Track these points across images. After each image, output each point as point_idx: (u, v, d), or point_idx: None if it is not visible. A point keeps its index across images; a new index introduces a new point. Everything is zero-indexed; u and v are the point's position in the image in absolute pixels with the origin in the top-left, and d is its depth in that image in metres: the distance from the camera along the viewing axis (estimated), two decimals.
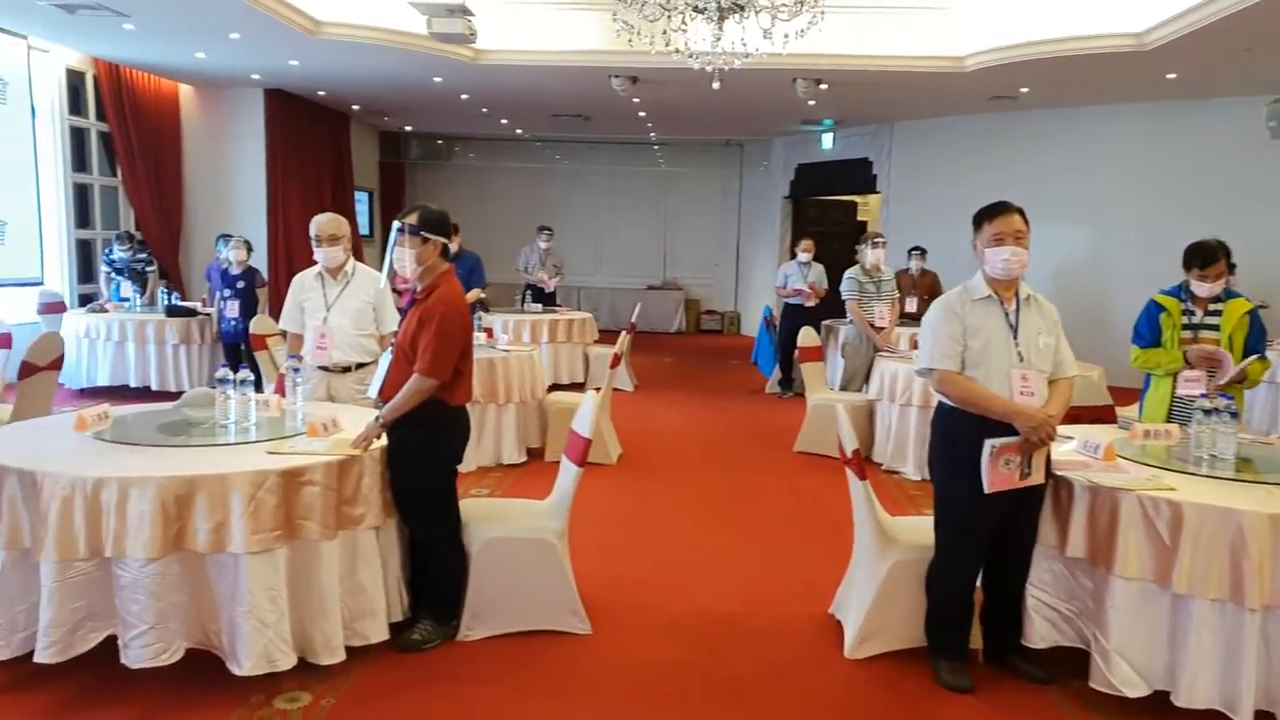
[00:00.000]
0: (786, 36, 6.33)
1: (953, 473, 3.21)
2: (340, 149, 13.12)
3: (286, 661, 3.05)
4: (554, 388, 7.53)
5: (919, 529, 3.52)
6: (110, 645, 3.00)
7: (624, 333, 7.66)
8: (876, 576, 3.45)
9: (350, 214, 12.82)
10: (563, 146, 16.02)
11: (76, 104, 9.68)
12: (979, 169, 11.01)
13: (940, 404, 3.31)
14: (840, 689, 3.28)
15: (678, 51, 6.62)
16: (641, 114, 12.03)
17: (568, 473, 3.63)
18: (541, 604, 3.59)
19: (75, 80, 9.63)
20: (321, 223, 4.49)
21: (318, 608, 3.15)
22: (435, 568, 3.49)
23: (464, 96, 11.12)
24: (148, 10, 7.44)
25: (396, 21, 8.29)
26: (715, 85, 8.04)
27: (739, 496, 5.77)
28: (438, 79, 9.96)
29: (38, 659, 2.93)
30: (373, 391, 3.77)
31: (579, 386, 8.78)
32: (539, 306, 9.61)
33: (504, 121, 13.61)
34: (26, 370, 5.09)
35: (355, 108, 12.79)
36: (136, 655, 2.95)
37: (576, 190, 16.20)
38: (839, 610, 3.76)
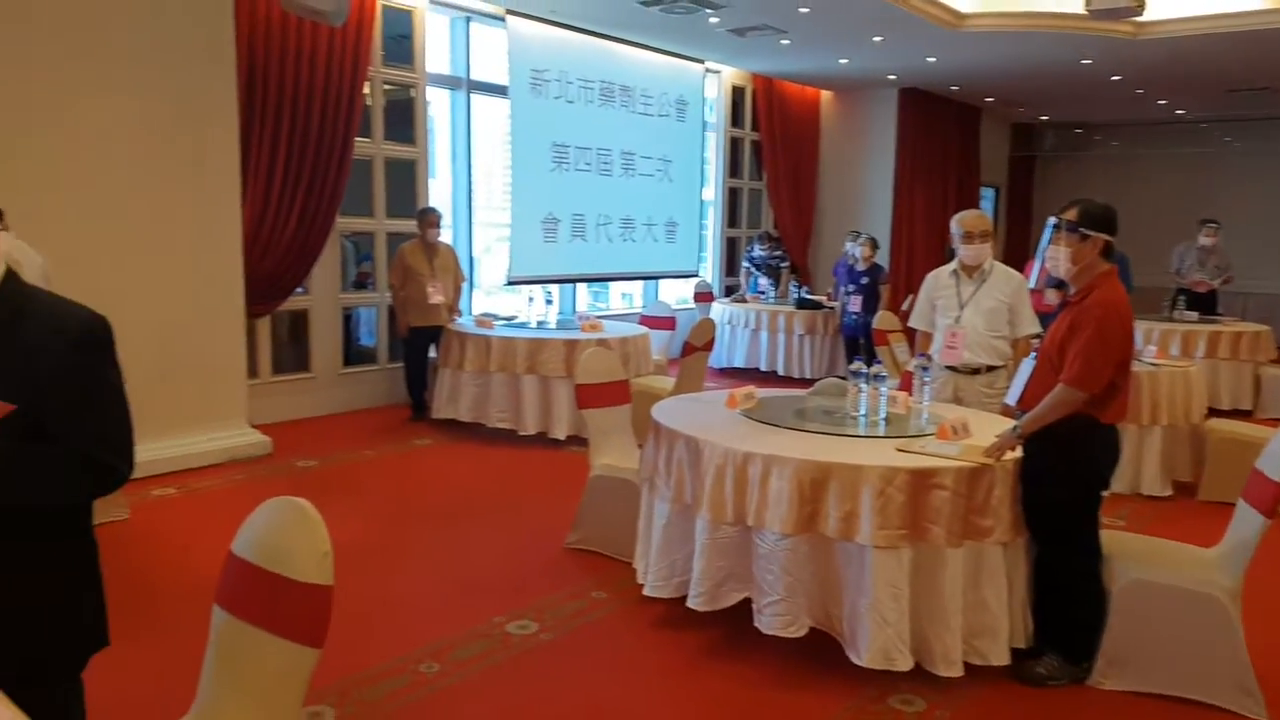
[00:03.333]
0: None
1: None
2: (968, 144, 12.90)
3: (904, 663, 3.01)
4: (1213, 413, 6.39)
5: None
6: (746, 606, 3.28)
7: None
8: None
9: None
10: (1235, 126, 13.57)
11: (736, 116, 11.00)
12: None
13: None
14: None
15: None
16: None
17: (1248, 521, 2.98)
18: (1200, 669, 3.00)
19: (736, 96, 10.94)
20: (970, 219, 4.35)
21: (938, 616, 3.05)
22: (1068, 599, 3.14)
23: (1115, 78, 10.05)
24: (803, 25, 8.06)
25: (1044, 3, 7.78)
26: None
27: None
28: (1086, 61, 9.13)
29: (690, 604, 3.34)
30: (1010, 398, 3.54)
31: (1245, 415, 7.32)
32: (1194, 315, 8.27)
33: (1161, 102, 12.01)
34: (687, 350, 5.89)
35: (988, 100, 12.43)
36: (767, 622, 3.17)
37: (1251, 177, 13.54)
38: None
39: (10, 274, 1.74)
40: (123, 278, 4.98)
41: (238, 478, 5.30)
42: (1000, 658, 3.12)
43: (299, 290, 6.70)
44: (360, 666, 3.14)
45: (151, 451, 4.86)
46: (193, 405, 5.42)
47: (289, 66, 6.21)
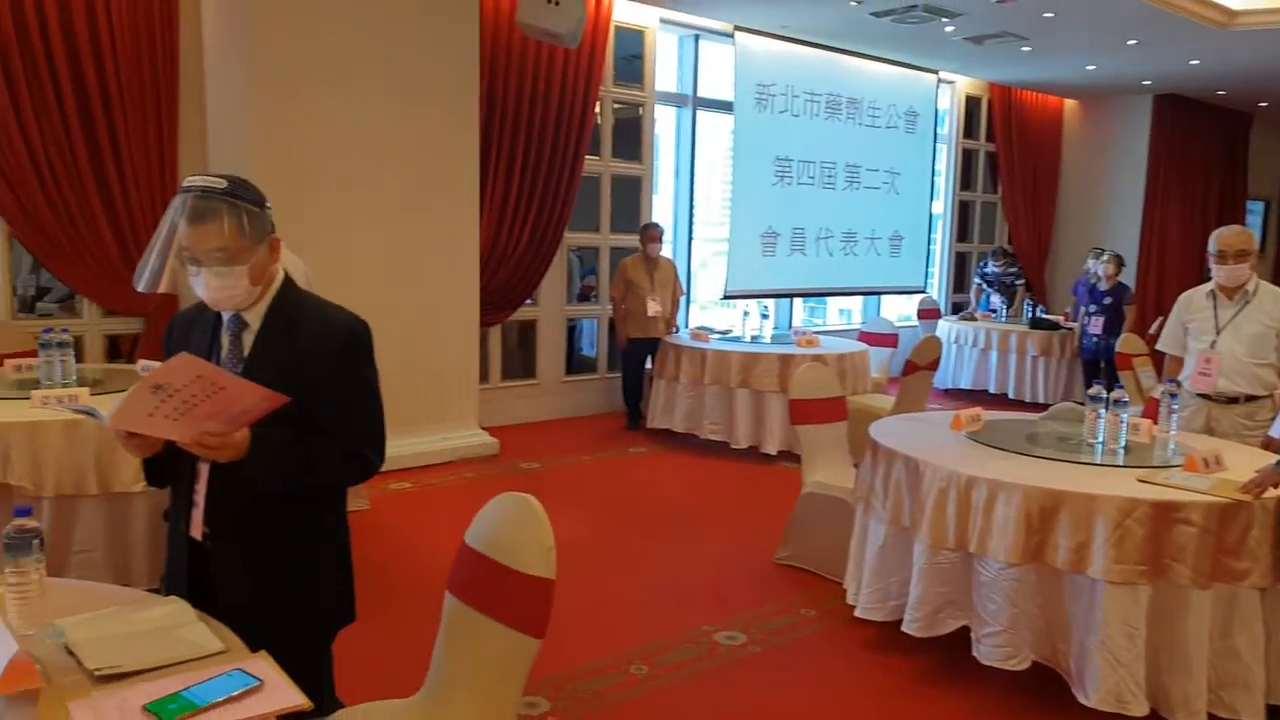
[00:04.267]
0: None
1: None
2: (1234, 153, 11.65)
3: (1138, 707, 2.77)
4: None
5: None
6: (964, 635, 3.13)
7: None
8: None
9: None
10: None
11: (969, 127, 10.52)
12: None
13: None
14: None
15: None
16: None
17: None
18: None
19: (971, 106, 10.47)
20: (1227, 236, 3.94)
21: (1179, 661, 2.79)
22: None
23: None
24: (1047, 30, 7.60)
25: None
26: None
27: None
28: None
29: (904, 629, 3.23)
30: (1275, 431, 3.17)
31: None
32: None
33: None
34: (910, 368, 5.69)
35: (1261, 105, 11.16)
36: (987, 652, 3.02)
37: None
38: None
39: (288, 280, 1.98)
40: (375, 289, 5.46)
41: (467, 475, 5.68)
42: (1253, 714, 2.81)
43: (528, 302, 7.09)
44: (573, 663, 3.27)
45: (391, 448, 5.18)
46: (429, 407, 5.85)
47: (526, 89, 6.60)
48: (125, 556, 3.29)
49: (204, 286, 1.83)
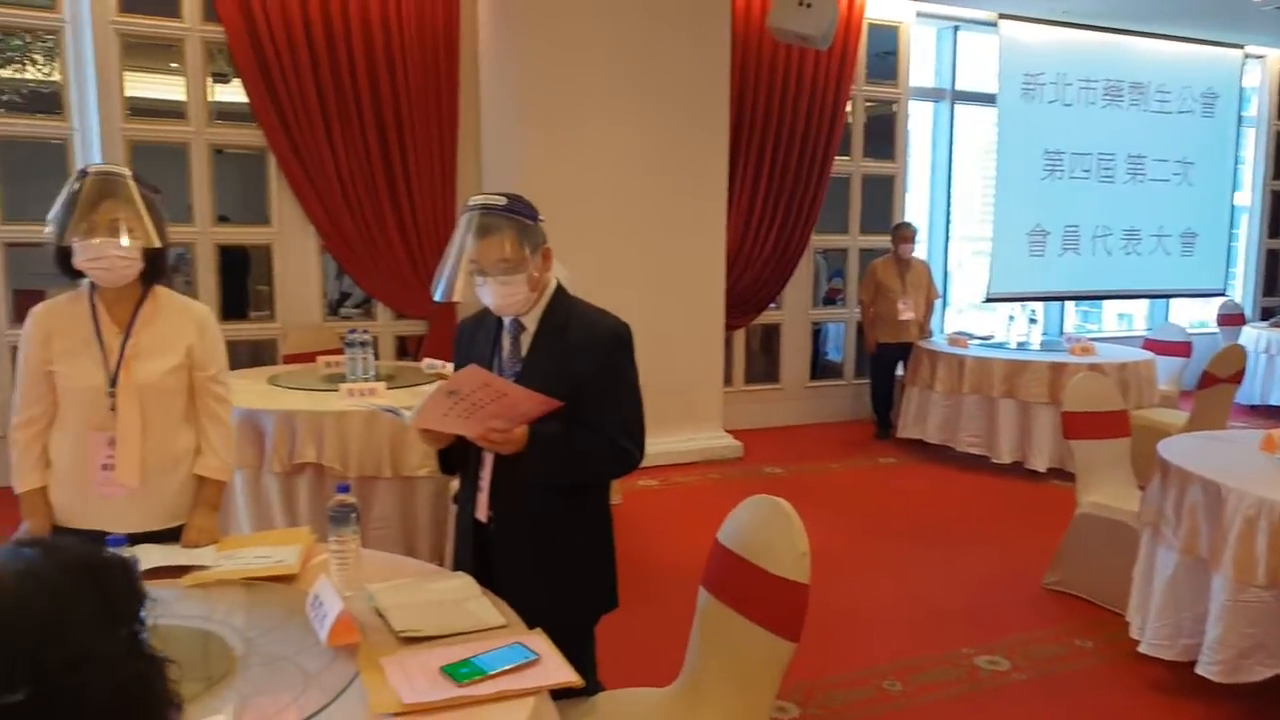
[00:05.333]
0: None
1: None
2: None
3: None
4: None
5: None
6: (1276, 684, 2.75)
7: None
8: None
9: None
10: None
11: None
12: None
13: None
14: None
15: None
16: None
17: None
18: None
19: None
20: None
21: None
22: None
23: None
24: None
25: None
26: None
27: None
28: None
29: (1200, 671, 2.88)
30: None
31: None
32: None
33: None
34: (1207, 380, 5.09)
35: None
36: None
37: None
38: None
39: (559, 286, 2.11)
40: (628, 293, 5.61)
41: (711, 477, 5.74)
42: None
43: (772, 305, 7.06)
44: (823, 671, 3.21)
45: None
46: (676, 408, 5.97)
47: (775, 91, 6.57)
48: (412, 532, 3.63)
49: (490, 294, 2.01)
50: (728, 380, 6.78)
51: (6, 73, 5.17)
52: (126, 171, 2.17)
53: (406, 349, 6.04)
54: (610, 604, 2.18)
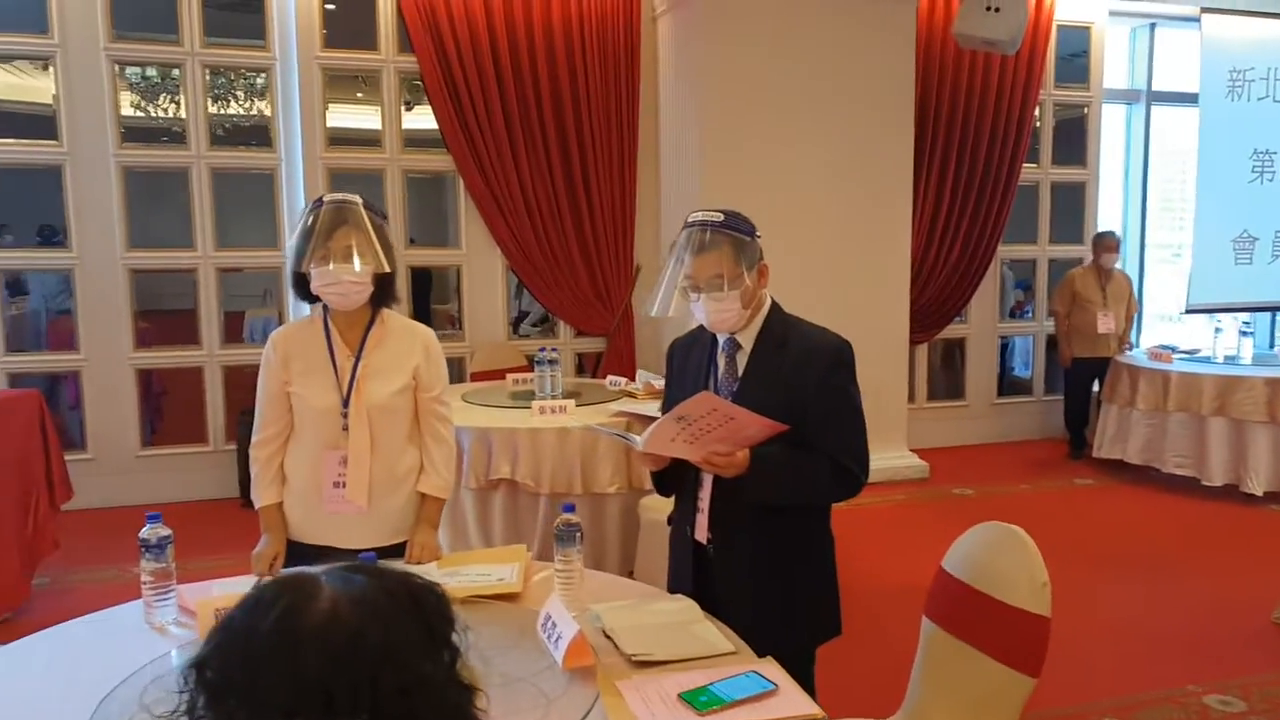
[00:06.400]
0: None
1: None
2: None
3: None
4: None
5: None
6: None
7: None
8: None
9: None
10: None
11: None
12: None
13: None
14: None
15: None
16: None
17: None
18: None
19: None
20: None
21: None
22: None
23: None
24: None
25: None
26: None
27: None
28: None
29: None
30: None
31: None
32: None
33: None
34: None
35: None
36: None
37: None
38: None
39: (775, 303, 2.09)
40: (815, 308, 5.53)
41: (898, 497, 5.56)
42: None
43: (957, 318, 6.80)
44: (1032, 705, 3.03)
45: None
46: None
47: (959, 99, 6.35)
48: (602, 547, 3.69)
49: (703, 311, 2.00)
50: (910, 397, 6.57)
51: (227, 109, 5.58)
52: (358, 199, 2.26)
53: (583, 366, 6.17)
54: (834, 630, 2.12)
